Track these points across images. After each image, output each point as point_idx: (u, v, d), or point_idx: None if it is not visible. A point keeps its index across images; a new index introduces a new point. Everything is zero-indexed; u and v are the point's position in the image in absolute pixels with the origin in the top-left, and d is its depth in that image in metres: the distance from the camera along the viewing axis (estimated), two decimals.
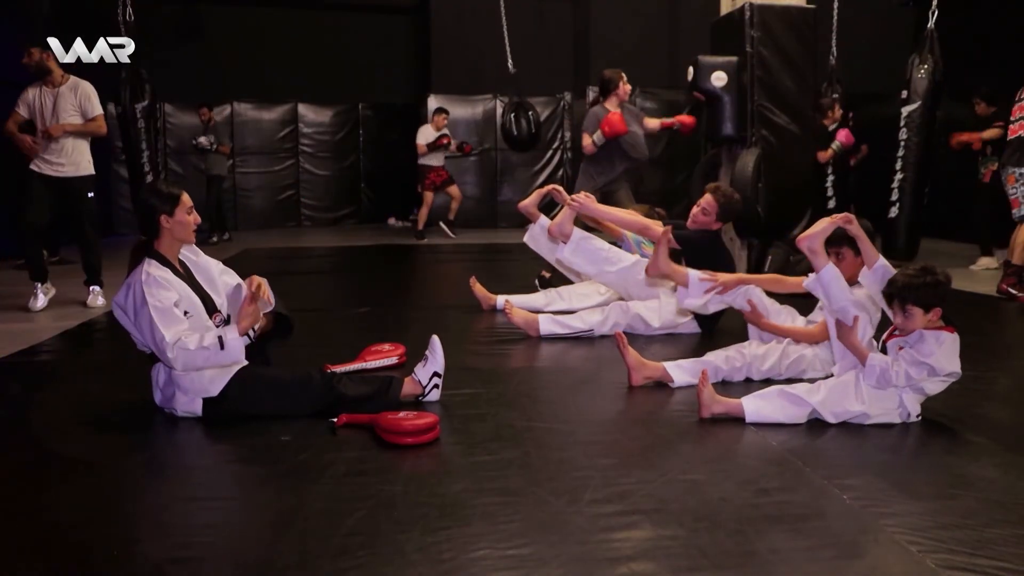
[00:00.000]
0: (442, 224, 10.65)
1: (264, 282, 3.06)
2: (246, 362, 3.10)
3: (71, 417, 3.21)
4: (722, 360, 3.58)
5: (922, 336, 2.89)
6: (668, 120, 6.39)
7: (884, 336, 3.05)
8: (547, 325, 4.47)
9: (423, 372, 3.23)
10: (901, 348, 2.93)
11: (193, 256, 3.25)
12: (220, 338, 2.89)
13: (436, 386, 3.23)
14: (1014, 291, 5.82)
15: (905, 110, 7.31)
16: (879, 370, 2.89)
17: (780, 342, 3.65)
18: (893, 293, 2.90)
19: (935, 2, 7.10)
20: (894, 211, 7.34)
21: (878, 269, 3.08)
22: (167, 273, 3.03)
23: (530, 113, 9.64)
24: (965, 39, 8.84)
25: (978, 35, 9.59)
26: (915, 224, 7.37)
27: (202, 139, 10.37)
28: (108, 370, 3.95)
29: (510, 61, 9.59)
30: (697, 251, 4.32)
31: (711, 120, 6.50)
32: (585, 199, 4.64)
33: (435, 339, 3.27)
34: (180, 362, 2.90)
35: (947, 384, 2.97)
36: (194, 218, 3.14)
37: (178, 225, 3.09)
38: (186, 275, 3.14)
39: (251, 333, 3.12)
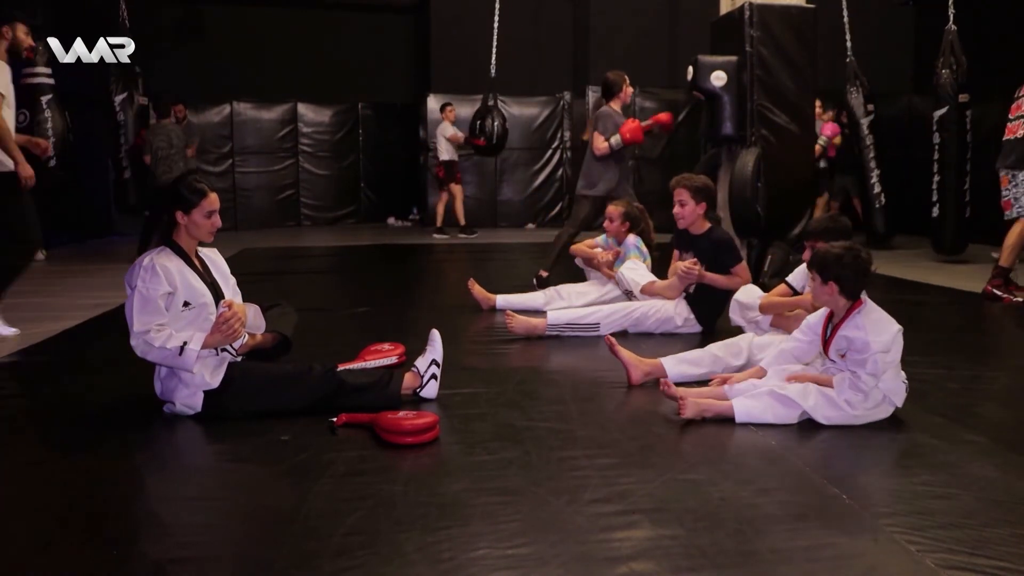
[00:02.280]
0: (460, 235, 10.73)
1: (237, 312, 3.05)
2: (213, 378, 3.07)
3: (70, 417, 3.21)
4: (721, 348, 3.59)
5: (848, 339, 2.93)
6: (645, 124, 6.17)
7: (825, 345, 3.07)
8: (553, 315, 4.49)
9: (422, 362, 3.26)
10: (843, 355, 2.97)
11: (213, 256, 3.29)
12: (184, 344, 2.92)
13: (434, 376, 3.24)
14: (999, 292, 5.80)
15: (936, 114, 7.44)
16: (848, 382, 2.92)
17: (780, 333, 3.66)
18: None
19: (951, 2, 7.14)
20: (935, 211, 7.62)
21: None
22: (176, 264, 3.04)
23: (497, 123, 9.72)
24: (968, 38, 8.86)
25: (980, 34, 9.59)
26: (960, 223, 7.60)
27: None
28: (108, 370, 3.95)
29: (493, 65, 9.63)
30: (732, 246, 4.50)
31: (711, 120, 6.50)
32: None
33: (435, 332, 3.33)
34: (138, 350, 2.97)
35: (900, 344, 2.97)
36: (213, 222, 3.14)
37: (192, 224, 3.10)
38: (202, 268, 3.16)
39: (232, 349, 3.14)
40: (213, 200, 3.13)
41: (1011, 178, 5.98)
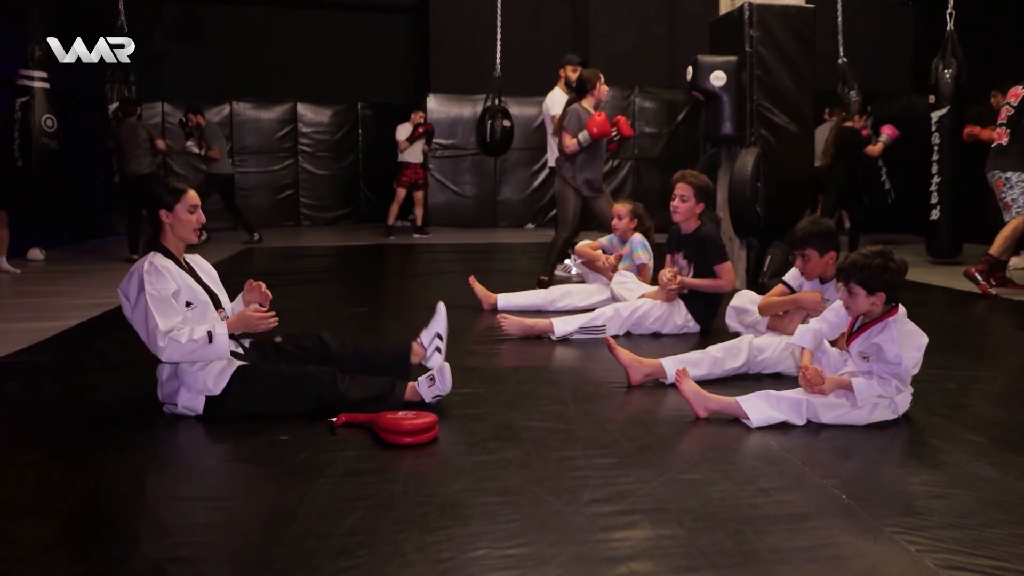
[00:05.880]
0: (415, 235, 10.81)
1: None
2: (240, 362, 3.10)
3: (71, 417, 3.21)
4: (720, 350, 3.60)
5: (880, 348, 2.91)
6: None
7: (844, 341, 3.06)
8: (561, 327, 4.47)
9: (426, 334, 3.29)
10: (866, 358, 2.96)
11: (200, 262, 3.30)
12: (209, 332, 2.92)
13: (438, 349, 3.27)
14: (979, 277, 5.86)
15: (935, 115, 7.49)
16: (868, 391, 2.91)
17: (778, 335, 3.67)
18: (841, 270, 2.96)
19: (951, 2, 7.17)
20: (935, 214, 7.67)
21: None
22: (170, 264, 3.05)
23: (506, 121, 9.74)
24: (978, 38, 8.88)
25: (988, 33, 9.61)
26: (956, 226, 7.67)
27: (189, 143, 10.27)
28: (108, 369, 3.95)
29: (498, 65, 9.65)
30: (719, 245, 4.52)
31: (710, 120, 6.50)
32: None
33: (440, 305, 3.36)
34: (168, 352, 2.93)
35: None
36: (197, 217, 3.14)
37: (177, 222, 3.10)
38: (190, 272, 3.16)
39: (245, 345, 3.15)
40: (193, 196, 3.14)
41: (1005, 181, 6.11)
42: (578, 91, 6.08)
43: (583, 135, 5.80)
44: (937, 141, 7.57)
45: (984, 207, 7.98)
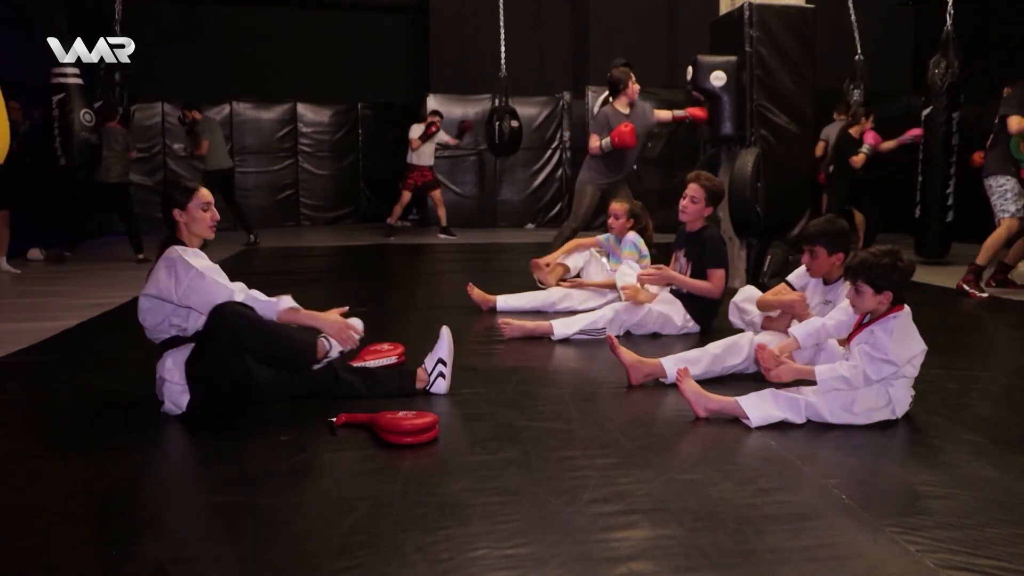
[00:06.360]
0: (440, 235, 10.68)
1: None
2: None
3: (70, 416, 3.21)
4: (720, 347, 3.60)
5: (872, 332, 2.93)
6: (680, 113, 6.34)
7: (849, 336, 3.07)
8: (561, 329, 4.47)
9: (429, 360, 3.31)
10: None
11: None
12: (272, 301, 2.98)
13: (441, 375, 3.29)
14: (969, 288, 5.89)
15: (923, 114, 7.64)
16: (831, 381, 2.92)
17: (776, 334, 3.67)
18: (849, 268, 2.97)
19: (951, 2, 7.22)
20: (917, 212, 7.81)
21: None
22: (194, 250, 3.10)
23: (514, 121, 9.74)
24: (976, 38, 8.89)
25: (992, 34, 9.62)
26: (943, 225, 7.73)
27: (177, 146, 10.20)
28: (108, 370, 3.95)
29: (503, 65, 9.65)
30: (718, 249, 4.49)
31: (710, 120, 6.51)
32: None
33: (444, 329, 3.36)
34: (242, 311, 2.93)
35: (919, 362, 2.99)
36: (211, 215, 3.16)
37: (192, 220, 3.13)
38: None
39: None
40: (205, 193, 3.17)
41: (988, 188, 6.19)
42: (611, 91, 6.11)
43: (606, 142, 5.81)
44: (922, 141, 7.66)
45: (970, 206, 7.97)
